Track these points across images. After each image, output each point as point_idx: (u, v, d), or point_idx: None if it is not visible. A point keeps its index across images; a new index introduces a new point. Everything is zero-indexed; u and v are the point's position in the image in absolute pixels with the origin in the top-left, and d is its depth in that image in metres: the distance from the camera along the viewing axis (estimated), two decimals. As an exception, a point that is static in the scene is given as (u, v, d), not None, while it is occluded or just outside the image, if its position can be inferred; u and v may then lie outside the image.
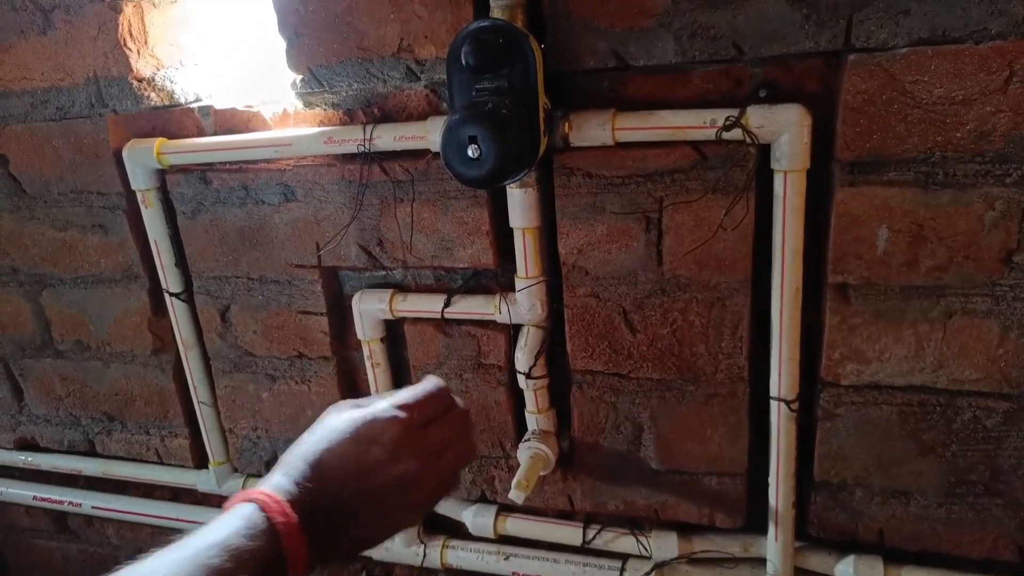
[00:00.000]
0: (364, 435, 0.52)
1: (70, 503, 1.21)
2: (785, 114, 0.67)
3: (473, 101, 0.65)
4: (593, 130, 0.72)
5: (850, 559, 0.81)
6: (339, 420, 0.53)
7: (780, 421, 0.77)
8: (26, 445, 1.23)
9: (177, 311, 1.00)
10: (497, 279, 0.86)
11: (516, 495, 0.80)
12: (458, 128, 0.63)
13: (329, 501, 0.49)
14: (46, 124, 0.96)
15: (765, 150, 0.70)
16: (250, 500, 0.46)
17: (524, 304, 0.82)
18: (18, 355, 1.15)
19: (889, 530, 0.79)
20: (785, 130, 0.67)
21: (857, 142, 0.66)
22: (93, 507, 1.20)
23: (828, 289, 0.72)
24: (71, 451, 1.19)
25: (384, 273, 0.90)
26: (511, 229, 0.79)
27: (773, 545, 0.82)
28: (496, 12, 0.69)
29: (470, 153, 0.63)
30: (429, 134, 0.78)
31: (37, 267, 1.06)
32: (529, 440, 0.86)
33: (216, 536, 0.43)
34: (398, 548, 1.00)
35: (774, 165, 0.69)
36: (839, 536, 0.81)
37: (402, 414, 0.54)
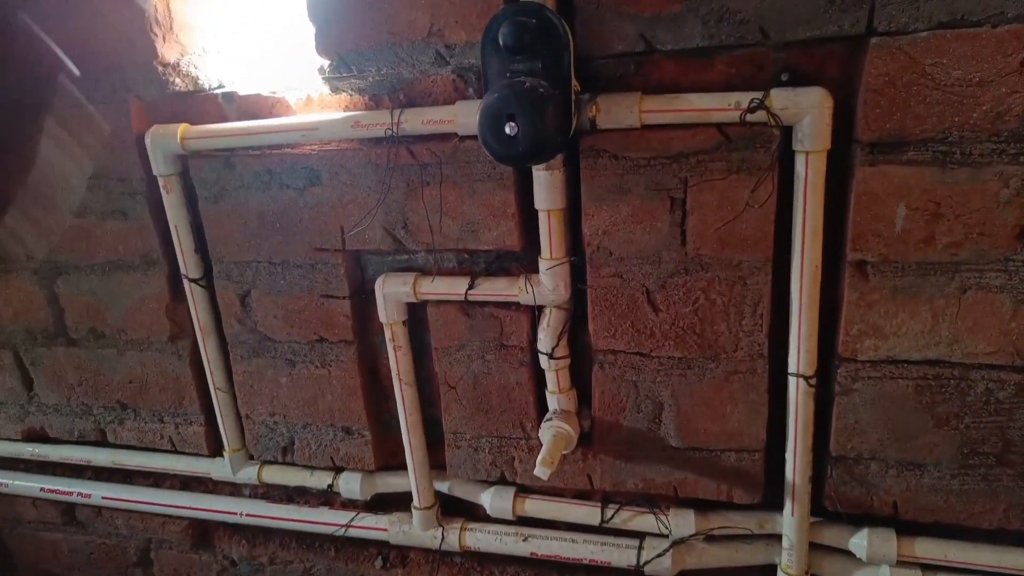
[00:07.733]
0: None
1: (79, 494, 1.20)
2: (808, 97, 0.70)
3: (511, 80, 0.66)
4: (621, 112, 0.74)
5: (864, 532, 0.84)
6: None
7: (799, 397, 0.79)
8: (34, 436, 1.22)
9: (196, 297, 1.00)
10: (519, 261, 0.87)
11: (541, 471, 0.81)
12: (496, 105, 0.65)
13: None
14: (66, 109, 0.96)
15: (787, 132, 0.72)
16: None
17: (548, 285, 0.83)
18: (29, 344, 1.14)
19: (903, 502, 0.82)
20: (808, 112, 0.70)
21: (878, 123, 0.69)
22: (103, 497, 1.19)
23: (847, 266, 0.75)
24: (81, 441, 1.19)
25: (407, 257, 0.91)
26: (535, 211, 0.81)
27: (789, 520, 0.84)
28: (528, -5, 0.71)
29: (507, 131, 0.65)
30: (457, 117, 0.80)
31: (53, 254, 1.06)
32: (551, 419, 0.88)
33: None
34: (416, 532, 1.01)
35: (796, 146, 0.72)
36: (854, 510, 0.84)
37: None
